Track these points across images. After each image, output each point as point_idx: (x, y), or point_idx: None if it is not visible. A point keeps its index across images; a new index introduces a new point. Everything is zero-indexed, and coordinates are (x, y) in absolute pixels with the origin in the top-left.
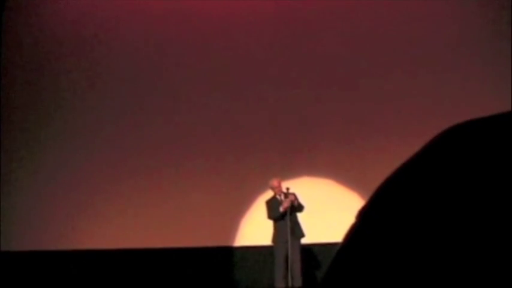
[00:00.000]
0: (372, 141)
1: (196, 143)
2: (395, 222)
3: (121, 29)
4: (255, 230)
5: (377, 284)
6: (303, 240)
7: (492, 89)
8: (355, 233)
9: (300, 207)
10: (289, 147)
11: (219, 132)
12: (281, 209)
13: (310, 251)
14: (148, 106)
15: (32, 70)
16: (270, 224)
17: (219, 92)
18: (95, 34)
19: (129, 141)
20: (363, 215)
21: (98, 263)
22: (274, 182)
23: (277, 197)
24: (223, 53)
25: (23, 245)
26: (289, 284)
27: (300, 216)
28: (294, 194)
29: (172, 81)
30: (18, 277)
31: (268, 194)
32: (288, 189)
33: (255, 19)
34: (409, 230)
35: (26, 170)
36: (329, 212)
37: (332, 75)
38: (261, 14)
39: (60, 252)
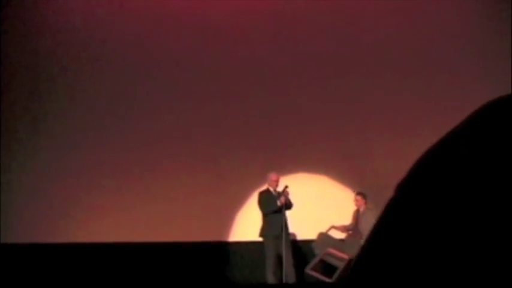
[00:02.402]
0: (367, 138)
1: (193, 138)
2: (435, 196)
3: (120, 27)
4: (250, 225)
5: (416, 257)
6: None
7: (492, 89)
8: (394, 206)
9: (290, 205)
10: (284, 143)
11: (216, 128)
12: (279, 203)
13: (303, 247)
14: (146, 102)
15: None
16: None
17: (215, 89)
18: (93, 32)
19: (126, 137)
20: (402, 188)
21: (95, 256)
22: (273, 176)
23: (271, 190)
24: (221, 51)
25: (21, 238)
26: (284, 280)
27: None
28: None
29: (171, 78)
30: (16, 269)
31: None
32: (286, 186)
33: (252, 17)
34: (449, 204)
35: (24, 164)
36: (323, 208)
37: (328, 72)
38: (260, 12)
39: (58, 245)
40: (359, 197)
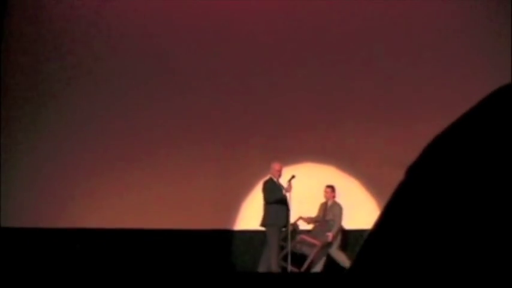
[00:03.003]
0: (371, 130)
1: (197, 127)
2: (443, 180)
3: (121, 27)
4: (254, 214)
5: (424, 240)
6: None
7: (492, 88)
8: (402, 189)
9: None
10: (289, 132)
11: (220, 118)
12: (284, 192)
13: None
14: (149, 91)
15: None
16: None
17: (220, 79)
18: (94, 32)
19: (130, 123)
20: (411, 171)
21: (96, 242)
22: (276, 166)
23: (274, 180)
24: (225, 45)
25: (22, 222)
26: (288, 269)
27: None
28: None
29: (173, 70)
30: (17, 253)
31: None
32: (293, 176)
33: (253, 14)
34: (457, 188)
35: (25, 151)
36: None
37: (332, 64)
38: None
39: (58, 230)
40: (328, 189)
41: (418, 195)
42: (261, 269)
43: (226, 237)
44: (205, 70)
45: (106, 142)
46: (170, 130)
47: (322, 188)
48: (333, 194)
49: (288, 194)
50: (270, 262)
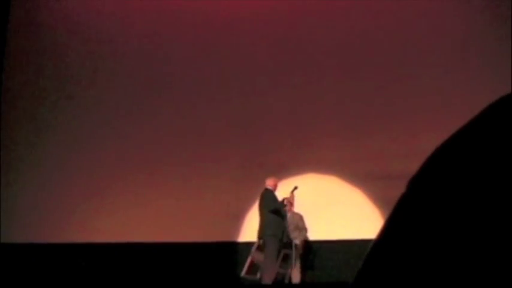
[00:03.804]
0: (376, 138)
1: (203, 137)
2: (443, 192)
3: (121, 27)
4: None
5: (425, 252)
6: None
7: (492, 89)
8: (403, 202)
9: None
10: (295, 143)
11: (225, 127)
12: (286, 203)
13: (314, 247)
14: (152, 102)
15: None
16: None
17: (225, 87)
18: (96, 32)
19: (134, 136)
20: (411, 185)
21: (100, 256)
22: (271, 181)
23: (271, 189)
24: (227, 52)
25: (23, 238)
26: (292, 281)
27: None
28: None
29: (179, 79)
30: (18, 269)
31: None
32: (296, 187)
33: (255, 17)
34: (457, 200)
35: (27, 163)
36: (334, 209)
37: (337, 71)
38: (261, 11)
39: (60, 245)
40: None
41: (419, 208)
42: (265, 280)
43: (232, 249)
44: (213, 85)
45: (108, 156)
46: (174, 142)
47: (327, 198)
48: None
49: (289, 205)
50: (269, 272)
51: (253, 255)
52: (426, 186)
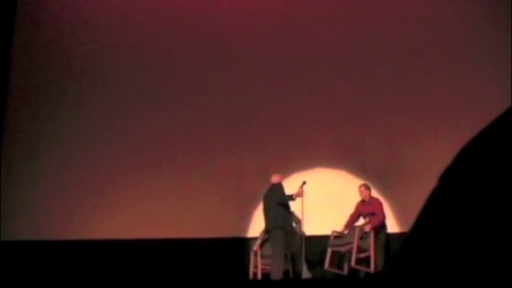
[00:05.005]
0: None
1: (209, 134)
2: (474, 186)
3: (122, 28)
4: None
5: (458, 243)
6: (315, 232)
7: (492, 89)
8: (435, 195)
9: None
10: (302, 139)
11: (232, 124)
12: (294, 197)
13: (319, 243)
14: (155, 99)
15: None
16: None
17: (230, 84)
18: (97, 32)
19: (137, 133)
20: (443, 178)
21: (104, 253)
22: (276, 177)
23: (280, 184)
24: (228, 53)
25: (23, 235)
26: (303, 276)
27: (310, 207)
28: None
29: (180, 76)
30: (18, 267)
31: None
32: (304, 182)
33: (256, 16)
34: (487, 194)
35: (27, 160)
36: (339, 203)
37: (341, 68)
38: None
39: (61, 243)
40: (363, 188)
41: (451, 201)
42: (275, 275)
43: (240, 245)
44: (214, 81)
45: (111, 153)
46: (182, 138)
47: (334, 193)
48: (368, 192)
49: (296, 197)
50: (279, 266)
51: (257, 249)
52: (458, 180)
